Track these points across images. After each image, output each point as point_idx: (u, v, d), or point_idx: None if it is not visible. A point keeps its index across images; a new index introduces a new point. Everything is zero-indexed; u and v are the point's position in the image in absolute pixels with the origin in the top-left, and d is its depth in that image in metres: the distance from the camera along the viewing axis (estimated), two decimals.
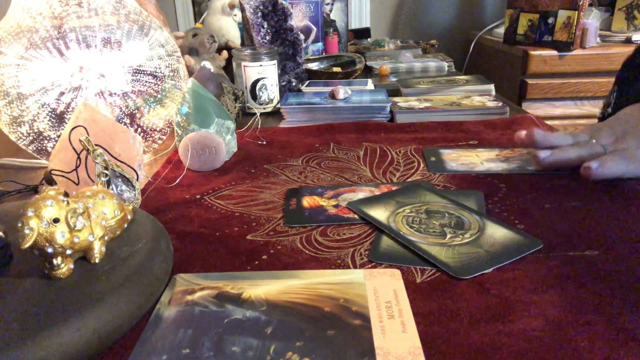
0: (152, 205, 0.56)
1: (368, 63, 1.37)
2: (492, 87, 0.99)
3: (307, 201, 0.55)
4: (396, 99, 0.95)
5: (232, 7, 1.31)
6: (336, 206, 0.53)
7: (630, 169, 0.54)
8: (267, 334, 0.33)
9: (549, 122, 0.82)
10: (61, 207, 0.35)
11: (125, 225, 0.43)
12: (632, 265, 0.40)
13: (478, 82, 1.02)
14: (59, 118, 0.65)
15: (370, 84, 1.07)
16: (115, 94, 0.67)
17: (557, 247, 0.43)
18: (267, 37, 1.03)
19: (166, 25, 0.99)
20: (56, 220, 0.35)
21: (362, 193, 0.56)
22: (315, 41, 1.43)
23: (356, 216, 0.51)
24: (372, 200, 0.54)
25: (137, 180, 0.54)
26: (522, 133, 0.63)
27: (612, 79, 0.72)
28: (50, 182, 0.56)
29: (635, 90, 0.64)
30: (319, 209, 0.53)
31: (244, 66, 0.93)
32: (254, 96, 0.95)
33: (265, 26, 1.03)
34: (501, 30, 1.82)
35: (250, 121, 0.87)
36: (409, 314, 0.35)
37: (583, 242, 0.44)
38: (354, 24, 2.13)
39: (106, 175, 0.49)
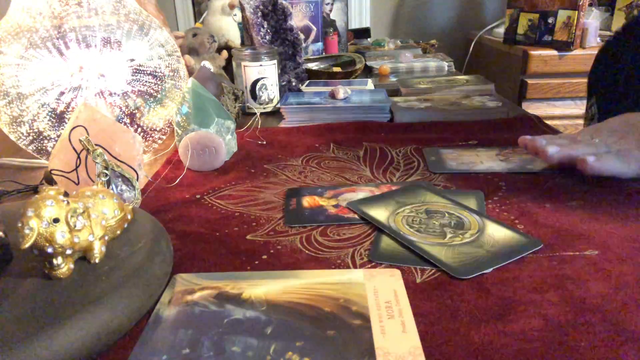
0: (152, 205, 0.56)
1: (368, 63, 1.37)
2: (492, 87, 0.99)
3: (307, 201, 0.55)
4: (396, 99, 0.94)
5: (232, 7, 1.31)
6: (336, 206, 0.53)
7: (629, 169, 0.54)
8: (267, 334, 0.33)
9: (549, 122, 0.82)
10: (61, 207, 0.35)
11: (125, 225, 0.43)
12: (632, 265, 0.40)
13: (478, 82, 1.02)
14: (59, 118, 0.65)
15: (370, 84, 1.07)
16: (115, 93, 0.67)
17: (557, 247, 0.43)
18: (267, 37, 1.03)
19: (166, 25, 0.99)
20: (56, 220, 0.35)
21: (362, 193, 0.56)
22: (315, 41, 1.43)
23: (356, 216, 0.51)
24: (372, 200, 0.54)
25: (137, 180, 0.54)
26: (527, 138, 0.62)
27: None
28: (50, 182, 0.56)
29: (622, 107, 0.64)
30: (319, 209, 0.53)
31: (244, 66, 0.93)
32: (254, 96, 0.95)
33: (265, 26, 1.03)
34: (501, 30, 1.82)
35: (250, 121, 0.87)
36: (409, 314, 0.35)
37: (583, 242, 0.44)
38: (354, 24, 2.13)
39: (106, 175, 0.49)
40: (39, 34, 0.62)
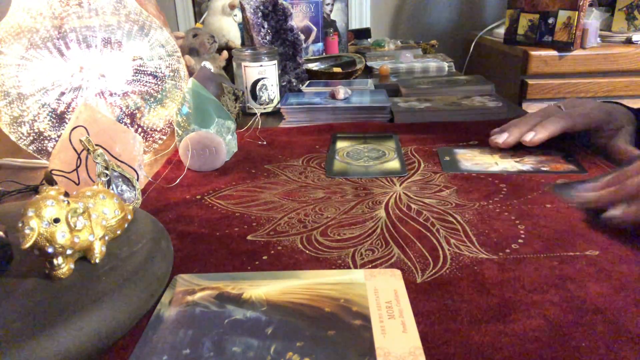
0: (153, 205, 0.56)
1: (368, 63, 1.37)
2: (492, 87, 0.99)
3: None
4: (396, 99, 0.94)
5: (232, 7, 1.31)
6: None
7: (566, 123, 0.63)
8: (267, 334, 0.33)
9: None
10: (62, 207, 0.35)
11: (126, 225, 0.43)
12: (632, 266, 0.40)
13: (478, 83, 1.02)
14: (59, 118, 0.65)
15: (370, 84, 1.07)
16: (115, 94, 0.67)
17: (557, 247, 0.43)
18: (268, 38, 1.03)
19: (166, 26, 0.99)
20: (57, 220, 0.35)
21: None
22: (315, 41, 1.43)
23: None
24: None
25: (138, 180, 0.54)
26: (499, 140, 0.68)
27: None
28: (51, 182, 0.56)
29: None
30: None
31: (244, 66, 0.93)
32: (254, 96, 0.95)
33: (266, 26, 1.03)
34: (501, 31, 1.82)
35: (251, 121, 0.87)
36: (410, 314, 0.35)
37: (583, 242, 0.44)
38: (354, 24, 2.13)
39: (106, 175, 0.49)
40: (39, 34, 0.63)
